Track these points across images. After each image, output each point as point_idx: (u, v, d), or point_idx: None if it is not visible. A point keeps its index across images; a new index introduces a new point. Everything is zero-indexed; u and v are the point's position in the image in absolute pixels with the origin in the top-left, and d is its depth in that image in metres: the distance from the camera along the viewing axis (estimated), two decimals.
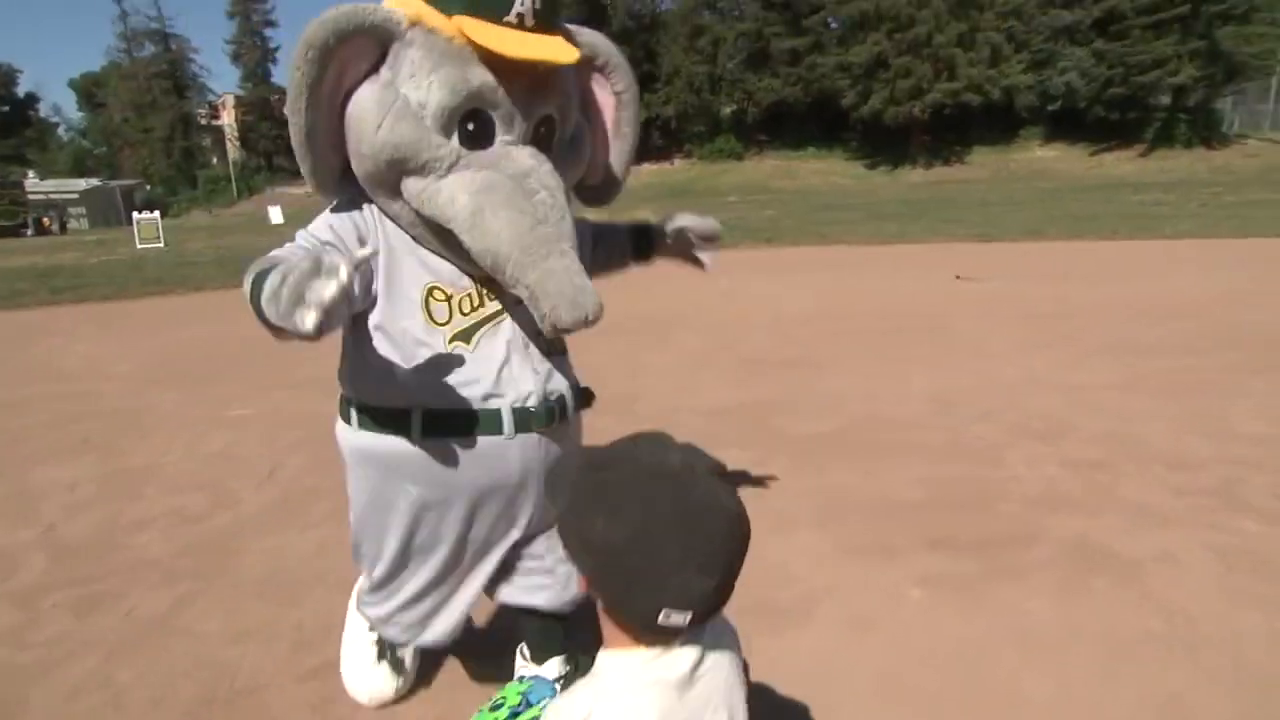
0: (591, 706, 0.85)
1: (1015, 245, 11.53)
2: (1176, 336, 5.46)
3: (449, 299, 1.38)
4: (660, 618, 0.80)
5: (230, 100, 48.89)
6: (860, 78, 31.27)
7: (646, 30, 37.62)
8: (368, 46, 1.21)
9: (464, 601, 1.60)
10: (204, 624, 2.26)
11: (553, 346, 1.49)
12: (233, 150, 46.43)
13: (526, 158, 1.27)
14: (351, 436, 1.51)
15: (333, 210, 1.40)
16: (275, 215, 25.39)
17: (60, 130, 63.70)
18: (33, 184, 35.01)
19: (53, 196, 33.32)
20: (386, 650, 1.78)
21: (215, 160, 46.84)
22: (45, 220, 29.65)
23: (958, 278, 8.23)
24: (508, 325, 1.42)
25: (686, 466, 0.84)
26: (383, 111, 1.21)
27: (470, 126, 1.26)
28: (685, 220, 1.76)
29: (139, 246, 16.92)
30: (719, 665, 0.91)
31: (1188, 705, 1.79)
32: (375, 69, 1.24)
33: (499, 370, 1.37)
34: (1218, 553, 2.47)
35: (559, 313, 1.18)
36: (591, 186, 1.62)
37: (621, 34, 36.47)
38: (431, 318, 1.36)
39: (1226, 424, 3.64)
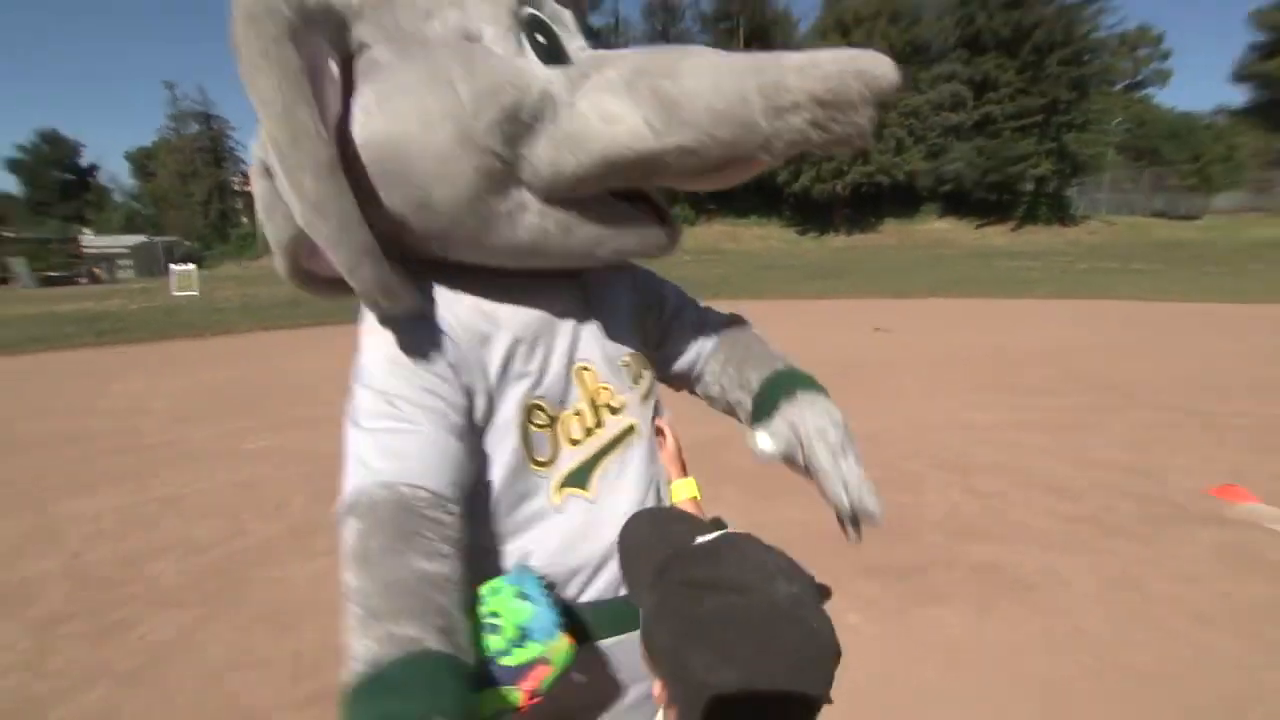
0: None
1: (920, 301, 11.73)
2: (1045, 380, 5.50)
3: (553, 423, 0.78)
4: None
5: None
6: (793, 159, 31.98)
7: None
8: (320, 48, 0.64)
9: None
10: (209, 650, 2.11)
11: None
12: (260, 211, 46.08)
13: (631, 52, 0.72)
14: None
15: (376, 374, 0.73)
16: None
17: (115, 194, 62.80)
18: (88, 240, 34.13)
19: (105, 250, 32.38)
20: None
21: (245, 220, 46.14)
22: (97, 270, 28.66)
23: (876, 329, 8.29)
24: (639, 452, 0.85)
25: (798, 602, 0.61)
26: (437, 79, 0.65)
27: (540, 38, 0.71)
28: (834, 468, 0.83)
29: (175, 294, 16.38)
30: None
31: (1072, 692, 1.80)
32: (349, 89, 0.67)
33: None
34: (1095, 572, 2.46)
35: (883, 72, 0.64)
36: None
37: None
38: (531, 455, 0.76)
39: (1093, 455, 3.66)
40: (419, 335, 0.72)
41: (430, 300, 0.75)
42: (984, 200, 31.56)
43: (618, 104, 0.67)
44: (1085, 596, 2.30)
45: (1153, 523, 2.84)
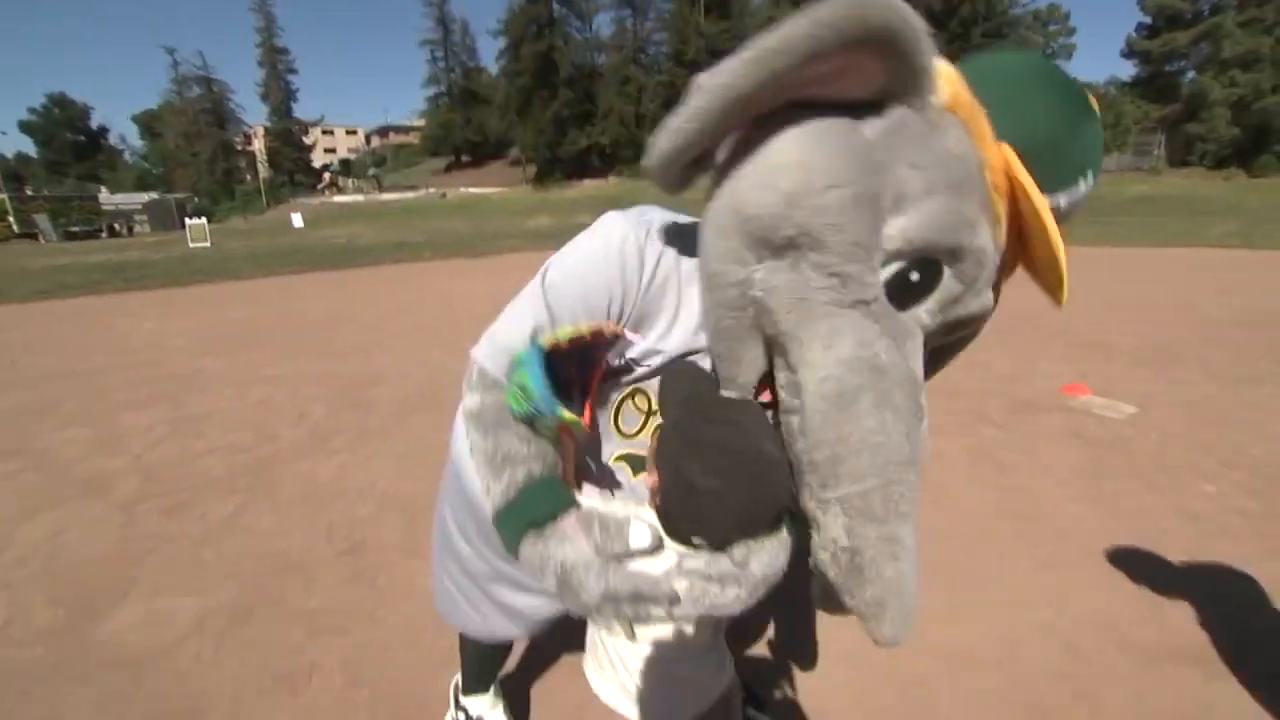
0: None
1: None
2: None
3: (647, 413, 0.79)
4: (691, 536, 0.70)
5: (260, 130, 45.55)
6: None
7: (587, 79, 36.61)
8: (874, 72, 0.51)
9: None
10: (259, 523, 2.25)
11: None
12: (262, 170, 43.45)
13: (919, 352, 0.62)
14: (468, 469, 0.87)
15: (557, 272, 0.73)
16: (297, 220, 23.96)
17: (126, 155, 58.96)
18: (105, 198, 32.24)
19: (121, 207, 30.52)
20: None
21: (249, 177, 43.73)
22: (116, 226, 27.11)
23: None
24: None
25: (776, 462, 0.64)
26: (850, 172, 0.52)
27: (914, 276, 0.58)
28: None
29: (191, 245, 15.70)
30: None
31: (944, 535, 2.04)
32: (851, 107, 0.53)
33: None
34: (970, 454, 2.74)
35: (882, 627, 0.58)
36: None
37: (567, 81, 35.39)
38: (618, 424, 0.80)
39: (979, 366, 3.92)
40: (606, 264, 0.69)
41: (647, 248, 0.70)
42: None
43: (841, 351, 0.56)
44: (958, 469, 2.58)
45: (1013, 413, 3.15)
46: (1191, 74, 34.88)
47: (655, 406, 0.78)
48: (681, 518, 0.68)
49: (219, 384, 3.92)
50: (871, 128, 0.54)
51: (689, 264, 0.69)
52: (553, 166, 36.16)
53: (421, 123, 51.23)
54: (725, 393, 0.67)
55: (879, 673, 1.50)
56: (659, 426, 0.74)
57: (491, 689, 1.30)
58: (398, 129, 64.23)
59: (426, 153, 50.39)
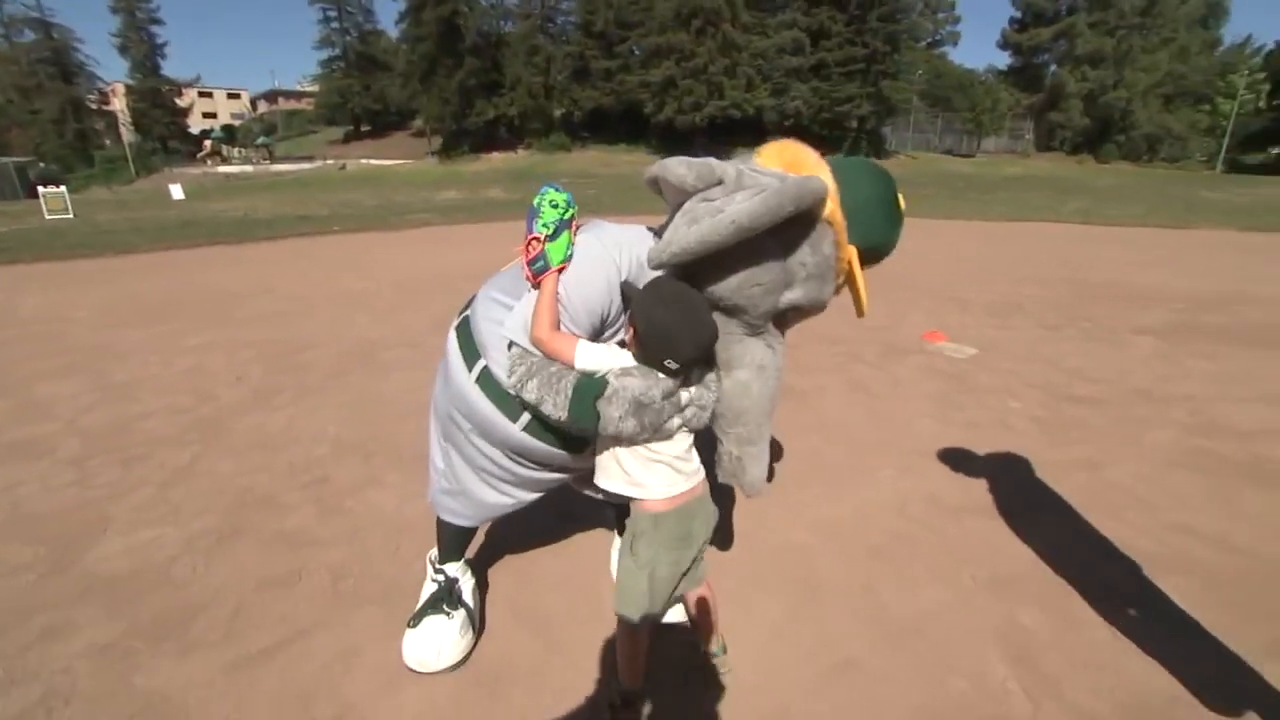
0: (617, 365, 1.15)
1: None
2: None
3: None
4: (664, 361, 1.10)
5: (120, 89, 40.20)
6: (657, 93, 31.46)
7: (494, 47, 35.27)
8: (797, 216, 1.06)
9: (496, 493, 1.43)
10: (219, 467, 2.40)
11: None
12: (127, 134, 38.49)
13: (783, 348, 1.21)
14: (465, 383, 1.29)
15: (572, 296, 1.18)
16: (176, 192, 21.71)
17: None
18: None
19: None
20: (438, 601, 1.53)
21: (109, 142, 38.63)
22: None
23: None
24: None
25: (700, 302, 1.12)
26: (769, 275, 1.09)
27: (786, 315, 1.19)
28: None
29: (47, 218, 14.02)
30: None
31: (820, 450, 2.57)
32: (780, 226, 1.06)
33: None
34: (847, 386, 3.32)
35: (747, 482, 1.21)
36: None
37: (473, 49, 34.05)
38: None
39: (862, 320, 4.59)
40: (601, 280, 1.20)
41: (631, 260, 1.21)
42: (819, 135, 33.05)
43: (754, 359, 1.17)
44: (836, 398, 3.15)
45: (884, 355, 3.79)
46: (1053, 67, 38.89)
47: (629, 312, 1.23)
48: (652, 346, 1.10)
49: (140, 353, 3.84)
50: (788, 238, 1.09)
51: (642, 261, 1.21)
52: (459, 138, 34.78)
53: (315, 88, 47.37)
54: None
55: (769, 545, 1.97)
56: (632, 301, 1.17)
57: (462, 560, 1.64)
58: (287, 94, 59.05)
59: (322, 121, 46.73)
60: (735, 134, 32.88)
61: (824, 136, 32.88)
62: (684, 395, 1.15)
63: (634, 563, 1.23)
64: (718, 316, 1.12)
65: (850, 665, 1.48)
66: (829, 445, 2.64)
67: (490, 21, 36.12)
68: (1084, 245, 9.05)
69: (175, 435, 2.69)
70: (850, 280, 1.18)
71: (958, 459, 2.50)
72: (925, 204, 15.48)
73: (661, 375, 1.11)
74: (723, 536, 1.98)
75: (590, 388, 1.11)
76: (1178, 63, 35.55)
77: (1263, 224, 11.90)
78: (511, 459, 1.33)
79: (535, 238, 1.20)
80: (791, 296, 1.12)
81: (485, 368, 1.26)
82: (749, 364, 1.15)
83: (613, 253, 1.20)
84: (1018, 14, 40.39)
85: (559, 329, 1.17)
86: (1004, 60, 43.31)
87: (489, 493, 1.41)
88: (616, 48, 34.10)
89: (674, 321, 1.09)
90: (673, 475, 1.20)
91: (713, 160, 1.14)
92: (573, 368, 1.15)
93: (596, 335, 1.22)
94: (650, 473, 1.19)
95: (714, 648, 1.43)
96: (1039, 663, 1.47)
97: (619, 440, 1.16)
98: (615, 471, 1.22)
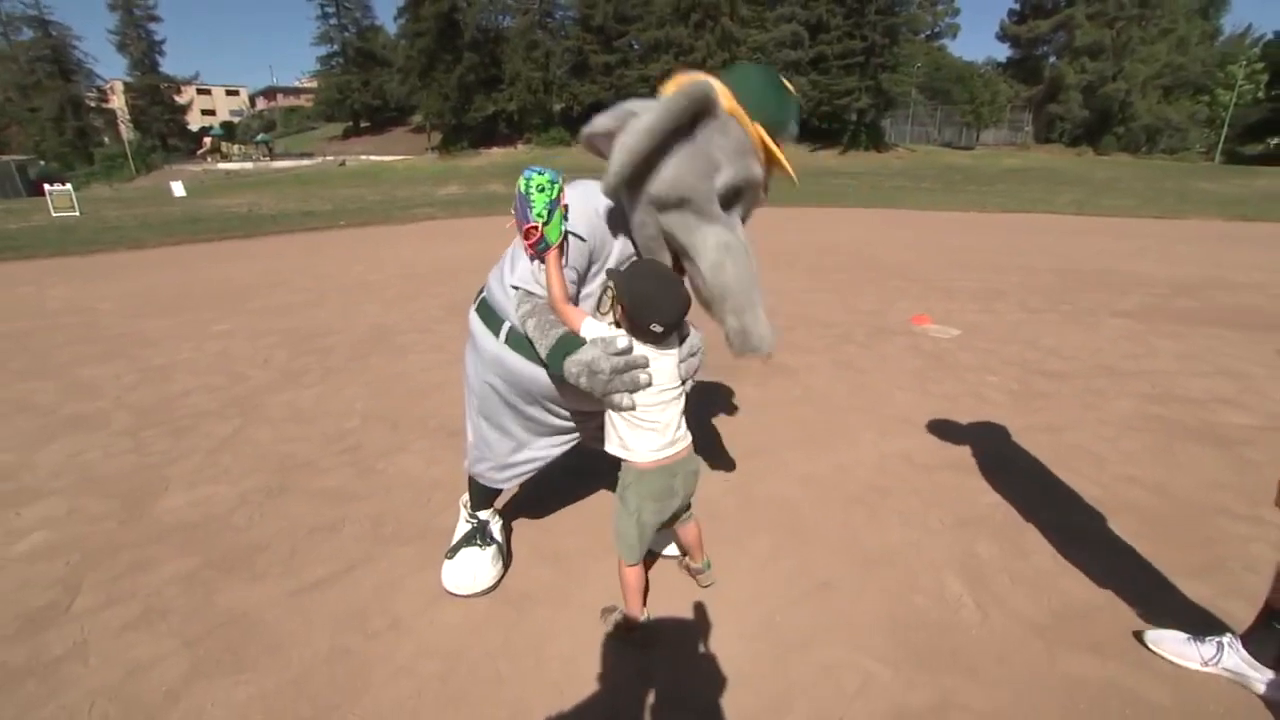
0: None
1: (761, 210, 12.75)
2: (838, 262, 6.73)
3: (613, 296, 1.41)
4: (650, 325, 1.30)
5: (119, 86, 40.33)
6: (655, 87, 31.66)
7: (493, 42, 35.43)
8: (698, 114, 1.24)
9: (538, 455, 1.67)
10: (260, 436, 2.65)
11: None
12: (126, 131, 38.63)
13: (742, 231, 1.35)
14: (501, 351, 1.50)
15: (579, 212, 1.35)
16: (178, 189, 21.92)
17: None
18: None
19: None
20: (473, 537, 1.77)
21: (108, 140, 38.78)
22: None
23: None
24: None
25: (670, 273, 1.34)
26: (695, 163, 1.24)
27: (734, 200, 1.33)
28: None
29: (54, 215, 14.23)
30: (666, 358, 1.39)
31: (814, 422, 2.81)
32: (689, 127, 1.24)
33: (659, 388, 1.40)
34: (835, 364, 3.55)
35: (756, 341, 1.31)
36: None
37: (471, 45, 34.16)
38: (600, 309, 1.44)
39: (854, 306, 4.84)
40: (582, 217, 1.36)
41: (614, 217, 1.38)
42: (818, 127, 33.21)
43: (714, 244, 1.28)
44: (824, 374, 3.39)
45: (872, 336, 4.03)
46: (1053, 59, 38.95)
47: (615, 293, 1.41)
48: (637, 313, 1.31)
49: (170, 340, 4.07)
50: (700, 132, 1.26)
51: (616, 211, 1.38)
52: (459, 133, 34.96)
53: (313, 85, 47.45)
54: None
55: (759, 495, 2.21)
56: (614, 282, 1.39)
57: (491, 507, 1.88)
58: (286, 91, 59.16)
59: (321, 118, 46.84)
60: None
61: (823, 129, 33.03)
62: (667, 355, 1.37)
63: (624, 509, 1.46)
64: (672, 215, 1.27)
65: (826, 587, 1.72)
66: (815, 413, 2.88)
67: (489, 17, 36.20)
68: (1075, 236, 9.27)
69: (216, 410, 2.93)
70: (770, 156, 1.34)
71: (934, 425, 2.74)
72: (923, 196, 15.69)
73: (619, 348, 1.30)
74: (718, 490, 2.22)
75: (567, 344, 1.31)
76: (1177, 54, 35.63)
77: (1252, 213, 12.12)
78: (546, 409, 1.56)
79: (533, 226, 1.32)
80: (724, 178, 1.27)
81: (510, 328, 1.47)
82: (713, 245, 1.28)
83: (593, 202, 1.38)
84: (1016, 6, 40.43)
85: (569, 301, 1.38)
86: (1003, 52, 43.39)
87: (519, 453, 1.65)
88: (615, 42, 34.24)
89: (652, 290, 1.31)
90: (657, 440, 1.40)
91: (625, 103, 1.34)
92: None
93: (586, 270, 1.41)
94: (638, 437, 1.40)
95: (699, 563, 1.71)
96: (990, 584, 1.71)
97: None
98: (612, 435, 1.43)
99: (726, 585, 1.72)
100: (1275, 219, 11.53)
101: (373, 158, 34.08)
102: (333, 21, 41.52)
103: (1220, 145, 34.36)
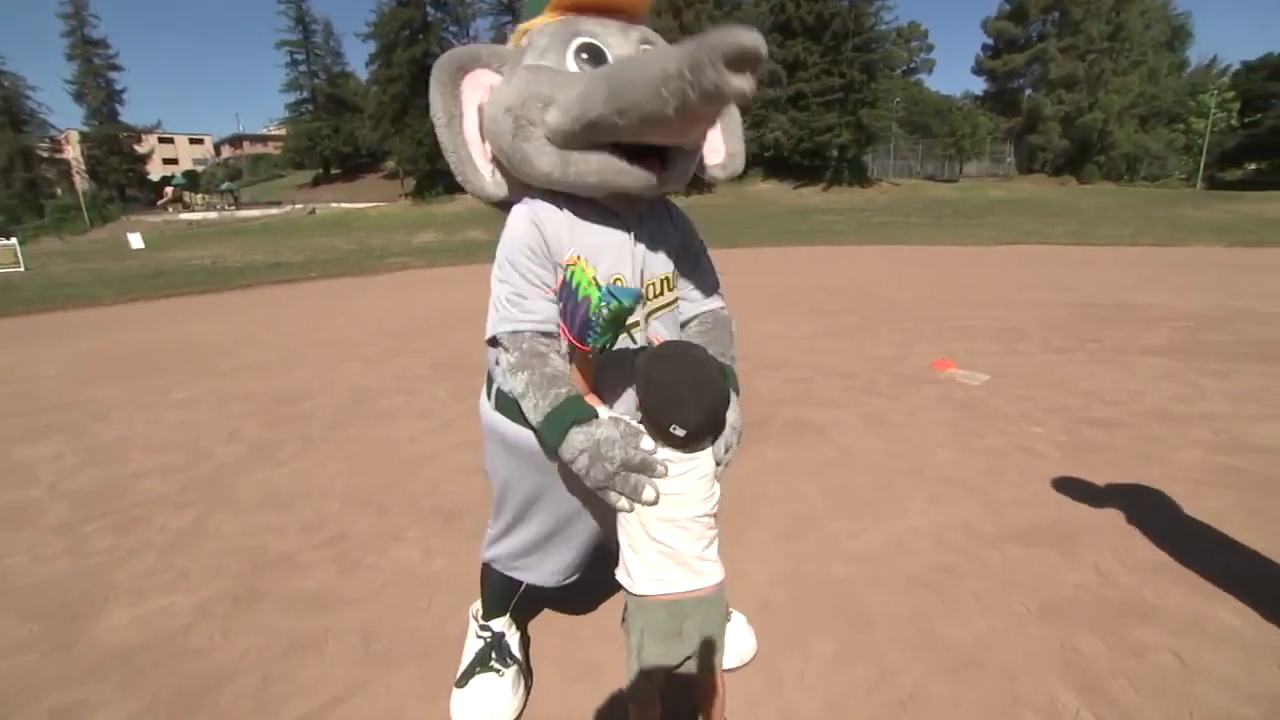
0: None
1: (752, 250, 12.97)
2: (844, 304, 6.69)
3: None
4: (670, 428, 1.08)
5: (75, 136, 40.56)
6: None
7: None
8: (490, 75, 1.18)
9: (574, 550, 1.40)
10: (226, 528, 2.38)
11: None
12: (81, 182, 38.63)
13: (638, 48, 1.15)
14: (489, 415, 1.30)
15: (509, 252, 1.16)
16: (136, 241, 21.82)
17: None
18: None
19: None
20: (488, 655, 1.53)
21: (60, 191, 38.71)
22: None
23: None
24: (639, 336, 1.21)
25: (705, 360, 1.12)
26: (517, 82, 1.12)
27: (584, 55, 1.11)
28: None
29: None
30: (694, 470, 1.14)
31: (848, 485, 2.63)
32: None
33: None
34: (864, 418, 3.40)
35: (732, 40, 0.82)
36: (718, 163, 1.38)
37: None
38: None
39: (870, 351, 4.74)
40: (526, 229, 1.15)
41: (536, 208, 1.16)
42: (799, 165, 34.27)
43: (597, 83, 1.00)
44: (854, 430, 3.23)
45: (897, 386, 3.90)
46: (1029, 92, 40.95)
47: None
48: (653, 408, 1.10)
49: (122, 410, 3.81)
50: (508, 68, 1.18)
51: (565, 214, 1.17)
52: (433, 179, 35.37)
53: (281, 132, 48.10)
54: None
55: (810, 580, 2.01)
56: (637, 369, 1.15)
57: (507, 613, 1.65)
58: (253, 138, 59.91)
59: (290, 165, 47.29)
60: None
61: (805, 166, 34.05)
62: (692, 466, 1.12)
63: (627, 639, 1.21)
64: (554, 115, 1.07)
65: (914, 700, 1.50)
66: (853, 477, 2.70)
67: None
68: (1078, 267, 9.41)
69: (173, 495, 2.67)
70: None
71: (986, 487, 2.58)
72: (913, 231, 16.02)
73: (641, 447, 1.09)
74: (764, 577, 2.01)
75: (575, 410, 1.08)
76: (1149, 84, 37.73)
77: (1250, 239, 12.49)
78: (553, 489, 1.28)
79: (586, 349, 1.10)
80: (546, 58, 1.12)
81: (497, 388, 1.27)
82: (595, 77, 1.04)
83: (528, 211, 1.18)
84: (990, 40, 42.73)
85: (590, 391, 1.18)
86: (980, 86, 45.56)
87: (548, 546, 1.38)
88: None
89: (677, 381, 1.08)
90: (665, 566, 1.14)
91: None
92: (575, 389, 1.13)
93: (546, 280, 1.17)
94: (640, 558, 1.15)
95: None
96: (1107, 691, 1.51)
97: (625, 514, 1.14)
98: (619, 551, 1.20)
99: (793, 701, 1.50)
100: (1276, 243, 11.89)
101: (344, 205, 34.27)
102: (302, 68, 42.45)
103: (1200, 172, 36.02)
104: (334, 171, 43.91)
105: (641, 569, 1.15)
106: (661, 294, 1.25)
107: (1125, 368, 4.15)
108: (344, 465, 2.92)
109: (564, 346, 1.15)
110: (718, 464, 1.20)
